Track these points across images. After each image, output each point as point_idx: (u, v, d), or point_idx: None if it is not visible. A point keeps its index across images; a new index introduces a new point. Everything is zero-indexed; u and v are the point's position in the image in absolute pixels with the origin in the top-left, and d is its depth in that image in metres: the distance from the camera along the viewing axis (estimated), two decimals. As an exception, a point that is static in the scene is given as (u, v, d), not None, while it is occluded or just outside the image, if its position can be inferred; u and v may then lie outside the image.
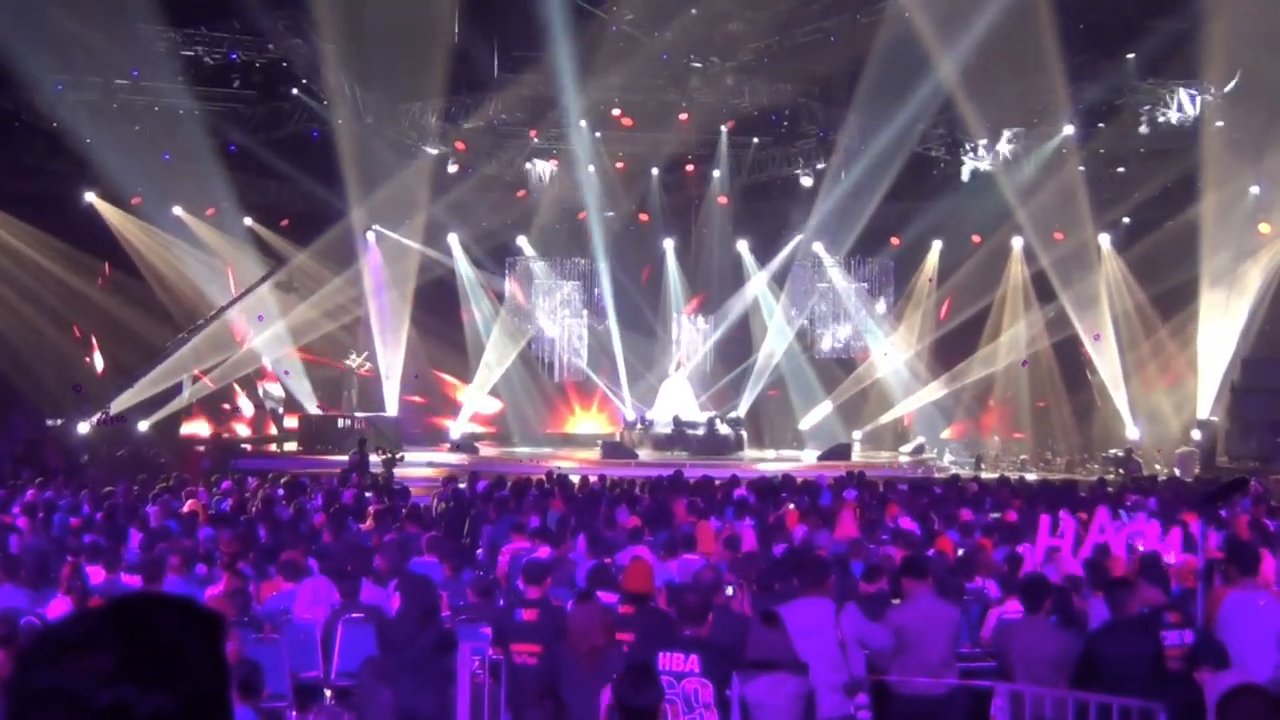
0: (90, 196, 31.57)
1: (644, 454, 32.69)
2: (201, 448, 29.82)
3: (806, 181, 35.55)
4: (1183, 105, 31.63)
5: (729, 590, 9.95)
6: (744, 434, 34.64)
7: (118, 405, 29.33)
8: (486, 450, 34.27)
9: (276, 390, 35.00)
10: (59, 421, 28.40)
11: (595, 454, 33.26)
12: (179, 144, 31.54)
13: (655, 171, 36.51)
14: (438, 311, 36.01)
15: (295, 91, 32.14)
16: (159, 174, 31.31)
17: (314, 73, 31.65)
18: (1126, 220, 34.70)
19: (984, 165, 33.73)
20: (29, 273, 30.05)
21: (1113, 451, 32.65)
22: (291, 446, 32.73)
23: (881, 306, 37.85)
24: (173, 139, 31.50)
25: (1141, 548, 12.63)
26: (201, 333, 31.94)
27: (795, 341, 37.73)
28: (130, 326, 31.45)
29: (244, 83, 31.69)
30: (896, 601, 9.63)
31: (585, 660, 7.61)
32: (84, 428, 28.32)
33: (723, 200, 36.66)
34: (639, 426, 34.65)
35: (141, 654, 1.86)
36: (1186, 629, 8.67)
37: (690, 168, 36.78)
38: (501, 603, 10.50)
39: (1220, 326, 32.05)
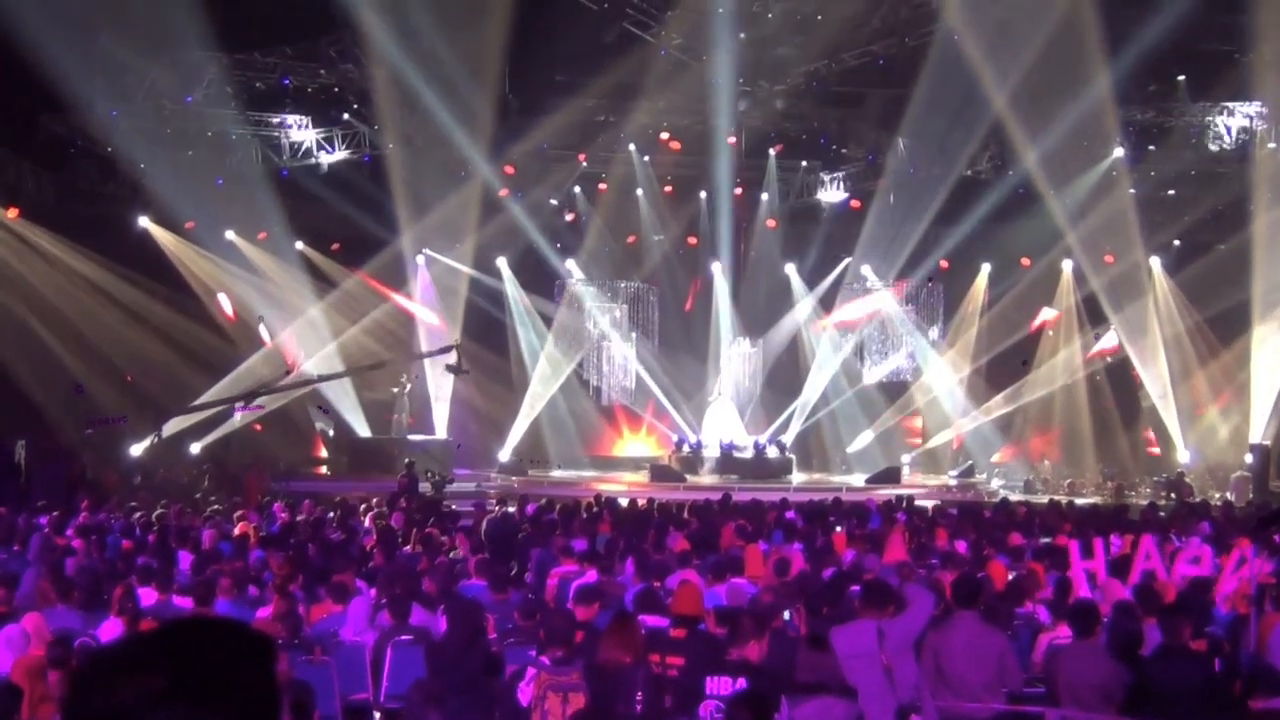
0: (144, 220, 31.83)
1: (692, 477, 32.67)
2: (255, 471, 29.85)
3: (855, 205, 35.45)
4: (1234, 127, 31.42)
5: (785, 615, 9.90)
6: (792, 458, 34.51)
7: (170, 428, 29.46)
8: (535, 473, 34.31)
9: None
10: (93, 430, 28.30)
11: (644, 477, 33.24)
12: (231, 169, 31.86)
13: (704, 195, 36.52)
14: (487, 334, 36.02)
15: (346, 117, 32.40)
16: (212, 198, 31.56)
17: (365, 98, 31.93)
18: (1177, 243, 34.51)
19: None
20: (84, 294, 30.22)
21: (1163, 475, 32.41)
22: (341, 469, 32.81)
23: (933, 331, 37.67)
24: (225, 164, 31.81)
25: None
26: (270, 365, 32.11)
27: (843, 365, 37.57)
28: (184, 349, 31.51)
29: (295, 108, 31.93)
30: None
31: (609, 675, 7.59)
32: (136, 450, 28.45)
33: (771, 223, 36.64)
34: (687, 450, 34.54)
35: (193, 675, 1.88)
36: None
37: (739, 191, 36.74)
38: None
39: (1273, 349, 31.71)
